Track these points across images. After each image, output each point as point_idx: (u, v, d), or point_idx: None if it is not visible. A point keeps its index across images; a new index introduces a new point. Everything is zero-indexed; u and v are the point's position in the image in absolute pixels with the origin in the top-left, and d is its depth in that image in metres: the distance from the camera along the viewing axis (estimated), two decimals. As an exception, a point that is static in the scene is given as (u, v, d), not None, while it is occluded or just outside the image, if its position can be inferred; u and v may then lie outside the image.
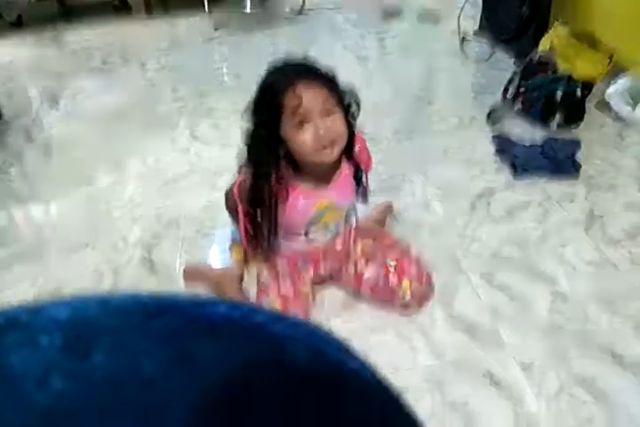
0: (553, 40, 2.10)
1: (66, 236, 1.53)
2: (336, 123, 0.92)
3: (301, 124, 0.90)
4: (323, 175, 1.03)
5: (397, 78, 2.33)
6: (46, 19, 3.45)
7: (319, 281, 1.21)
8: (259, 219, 1.03)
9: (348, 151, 1.02)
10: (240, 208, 1.02)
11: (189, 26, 3.21)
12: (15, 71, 2.88)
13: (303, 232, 1.09)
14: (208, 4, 3.07)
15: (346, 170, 1.06)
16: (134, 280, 1.33)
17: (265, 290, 1.14)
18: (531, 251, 1.30)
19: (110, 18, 3.46)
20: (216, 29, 3.08)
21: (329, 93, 0.92)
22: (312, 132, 0.90)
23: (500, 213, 1.45)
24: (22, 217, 1.70)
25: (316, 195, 1.03)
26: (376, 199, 1.48)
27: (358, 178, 1.09)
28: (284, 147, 0.95)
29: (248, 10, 3.14)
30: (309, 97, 0.89)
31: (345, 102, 0.96)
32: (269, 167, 0.97)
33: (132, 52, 2.95)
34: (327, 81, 0.93)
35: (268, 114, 0.92)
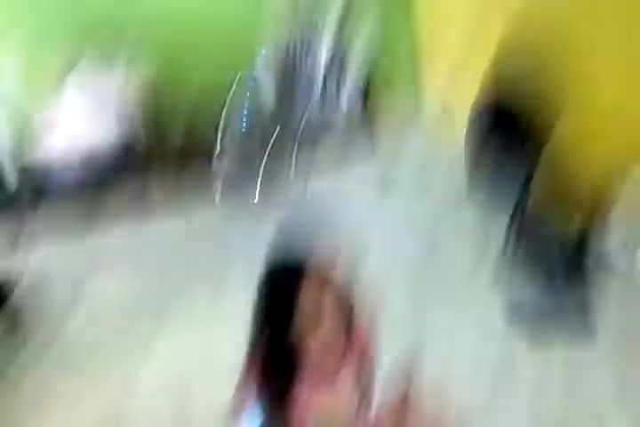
0: (540, 197, 2.17)
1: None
2: (341, 326, 0.95)
3: (312, 324, 0.93)
4: (323, 377, 1.01)
5: (406, 250, 2.40)
6: (71, 223, 3.74)
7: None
8: None
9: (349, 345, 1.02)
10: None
11: (202, 217, 3.40)
12: (40, 274, 2.98)
13: None
14: (220, 197, 3.36)
15: (346, 370, 1.04)
16: None
17: None
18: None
19: (132, 214, 3.71)
20: (226, 218, 3.31)
21: (337, 294, 0.96)
22: (321, 335, 0.93)
23: (524, 393, 1.35)
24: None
25: (316, 399, 1.00)
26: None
27: (360, 377, 1.06)
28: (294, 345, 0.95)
29: (256, 201, 3.42)
30: (321, 298, 0.93)
31: (347, 301, 0.99)
32: (282, 364, 0.97)
33: (150, 245, 3.12)
34: (335, 281, 0.98)
35: (279, 313, 0.94)
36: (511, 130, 2.42)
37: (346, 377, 1.05)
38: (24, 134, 3.97)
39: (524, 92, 2.36)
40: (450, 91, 3.51)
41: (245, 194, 3.43)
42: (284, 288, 0.97)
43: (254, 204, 3.43)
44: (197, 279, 2.53)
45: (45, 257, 3.30)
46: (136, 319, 2.21)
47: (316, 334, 0.94)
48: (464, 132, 2.78)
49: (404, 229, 2.67)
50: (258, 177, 3.43)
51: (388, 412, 1.20)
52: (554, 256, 1.84)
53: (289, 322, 0.94)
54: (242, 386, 1.06)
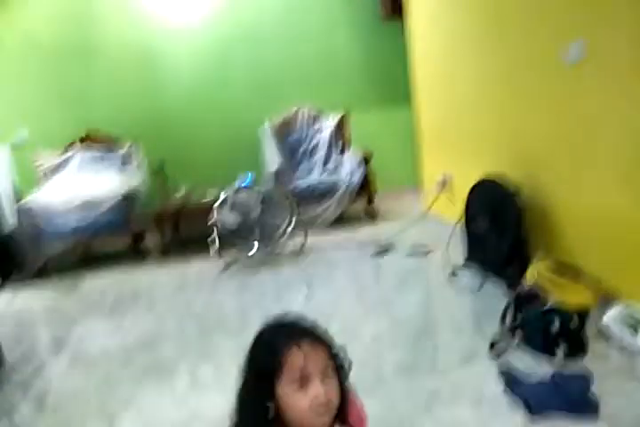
0: (538, 271, 2.24)
1: None
2: (333, 389, 0.92)
3: (302, 385, 0.90)
4: None
5: (394, 312, 2.40)
6: (67, 268, 3.76)
7: None
8: None
9: (341, 414, 0.99)
10: None
11: (199, 267, 3.47)
12: (29, 318, 2.98)
13: None
14: (218, 249, 3.38)
15: None
16: None
17: None
18: None
19: (127, 262, 3.77)
20: (223, 270, 3.33)
21: (329, 356, 0.94)
22: (311, 397, 0.90)
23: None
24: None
25: None
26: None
27: None
28: (275, 407, 0.92)
29: (254, 253, 3.44)
30: (313, 357, 0.91)
31: (339, 365, 0.97)
32: (263, 423, 0.93)
33: (143, 293, 3.12)
34: (327, 344, 0.96)
35: (265, 370, 0.92)
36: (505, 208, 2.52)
37: None
38: (26, 175, 4.09)
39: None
40: (449, 163, 3.64)
41: (245, 245, 3.45)
42: (271, 345, 0.94)
43: (250, 257, 3.44)
44: (187, 330, 2.48)
45: (35, 298, 3.25)
46: (122, 367, 2.15)
47: (307, 395, 0.90)
48: (462, 203, 2.89)
49: (398, 294, 2.65)
50: (255, 231, 3.45)
51: None
52: (554, 328, 1.82)
53: (273, 380, 0.91)
54: None
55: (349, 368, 1.00)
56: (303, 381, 0.90)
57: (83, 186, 3.82)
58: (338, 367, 0.97)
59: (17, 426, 1.81)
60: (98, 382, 2.05)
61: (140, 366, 2.13)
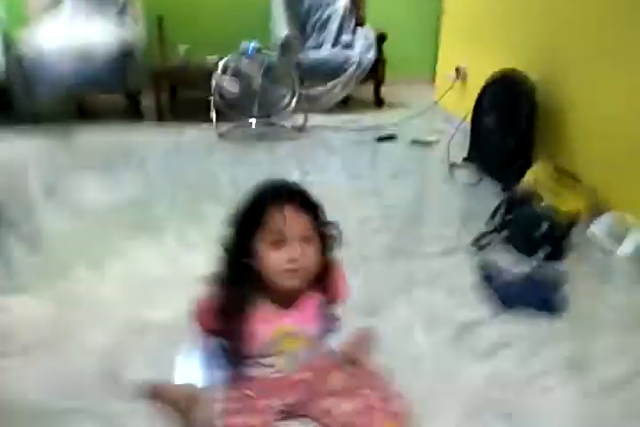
0: (537, 174, 2.21)
1: (24, 334, 1.45)
2: (310, 256, 0.94)
3: (277, 244, 0.92)
4: (285, 297, 1.01)
5: (387, 198, 2.41)
6: (61, 119, 3.64)
7: (287, 411, 1.11)
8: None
9: (319, 281, 1.01)
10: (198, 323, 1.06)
11: (196, 133, 3.39)
12: (20, 165, 2.97)
13: (264, 361, 1.04)
14: (216, 115, 3.26)
15: (312, 297, 1.04)
16: (84, 393, 1.22)
17: (231, 418, 1.05)
18: (514, 394, 1.22)
19: (122, 121, 3.66)
20: (220, 137, 3.25)
21: (312, 223, 0.95)
22: (286, 255, 0.92)
23: (483, 348, 1.39)
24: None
25: (274, 319, 1.00)
26: (356, 322, 1.44)
27: (324, 307, 1.06)
28: (254, 261, 0.95)
29: (253, 125, 3.33)
30: (294, 220, 0.92)
31: (325, 233, 0.98)
32: (240, 279, 0.97)
33: (137, 153, 3.08)
34: (314, 210, 0.96)
35: (247, 226, 0.94)
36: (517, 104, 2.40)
37: (310, 302, 1.04)
38: (17, 20, 3.76)
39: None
40: (466, 56, 3.39)
41: (244, 116, 3.33)
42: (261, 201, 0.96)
43: (251, 126, 3.34)
44: (178, 195, 2.49)
45: (26, 146, 3.21)
46: (112, 222, 2.18)
47: (281, 256, 0.93)
48: (474, 97, 2.75)
49: (393, 181, 2.64)
50: (255, 102, 3.31)
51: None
52: (540, 231, 1.84)
53: (254, 235, 0.93)
54: (206, 295, 1.05)
55: (338, 243, 1.01)
56: (281, 242, 0.92)
57: (76, 34, 3.54)
58: (322, 237, 0.98)
59: (7, 261, 1.88)
60: (88, 233, 2.09)
61: (129, 222, 2.17)
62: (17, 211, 2.29)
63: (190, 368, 1.29)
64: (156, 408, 1.15)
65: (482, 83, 2.71)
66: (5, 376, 1.29)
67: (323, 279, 1.03)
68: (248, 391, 1.08)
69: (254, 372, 1.07)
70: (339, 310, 1.12)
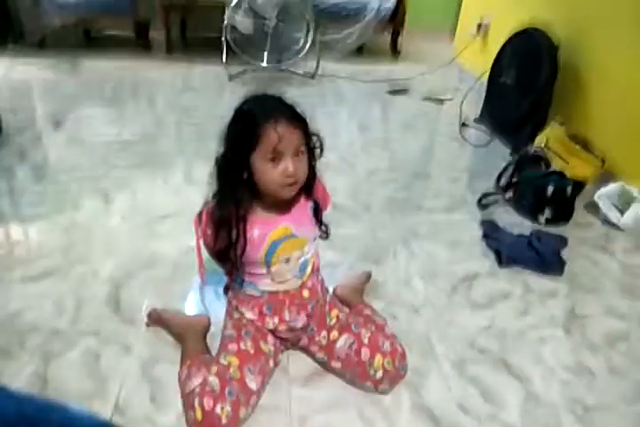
0: (549, 137, 2.19)
1: (36, 261, 1.48)
2: (302, 167, 0.98)
3: (274, 159, 0.94)
4: (280, 204, 1.04)
5: (396, 151, 2.39)
6: (68, 45, 3.54)
7: (287, 339, 1.16)
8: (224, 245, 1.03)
9: (308, 189, 1.06)
10: (199, 231, 1.07)
11: (205, 72, 3.31)
12: (27, 90, 2.91)
13: (265, 270, 1.07)
14: (226, 55, 3.17)
15: (303, 202, 1.07)
16: (95, 318, 1.27)
17: (227, 344, 1.09)
18: (508, 345, 1.27)
19: (131, 53, 3.55)
20: (230, 79, 3.18)
21: (303, 135, 0.97)
22: (280, 171, 0.94)
23: (480, 300, 1.43)
24: (-4, 235, 1.64)
25: (270, 223, 1.03)
26: (357, 267, 1.48)
27: (316, 212, 1.09)
28: (249, 173, 0.97)
29: (264, 64, 3.25)
30: (288, 136, 0.93)
31: (311, 145, 1.01)
32: (236, 190, 1.00)
33: (145, 87, 3.01)
34: (303, 123, 0.98)
35: (242, 141, 0.95)
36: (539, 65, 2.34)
37: (303, 208, 1.07)
38: None
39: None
40: (490, 9, 3.26)
41: (255, 59, 3.23)
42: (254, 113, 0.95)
43: (262, 67, 3.26)
44: (185, 132, 2.47)
45: (33, 71, 3.12)
46: (118, 154, 2.17)
47: (277, 169, 0.94)
48: (494, 55, 2.67)
49: (403, 135, 2.61)
50: (268, 42, 3.20)
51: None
52: (545, 194, 1.85)
53: (250, 148, 0.94)
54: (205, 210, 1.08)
55: (321, 152, 1.04)
56: (276, 156, 0.94)
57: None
58: (310, 148, 1.01)
59: (14, 189, 1.88)
60: (94, 163, 2.09)
61: (136, 156, 2.16)
62: (22, 137, 2.27)
63: (199, 300, 1.35)
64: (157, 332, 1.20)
65: (503, 40, 2.63)
66: (27, 299, 1.33)
67: (310, 187, 1.06)
68: (249, 314, 1.12)
69: (256, 287, 1.10)
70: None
